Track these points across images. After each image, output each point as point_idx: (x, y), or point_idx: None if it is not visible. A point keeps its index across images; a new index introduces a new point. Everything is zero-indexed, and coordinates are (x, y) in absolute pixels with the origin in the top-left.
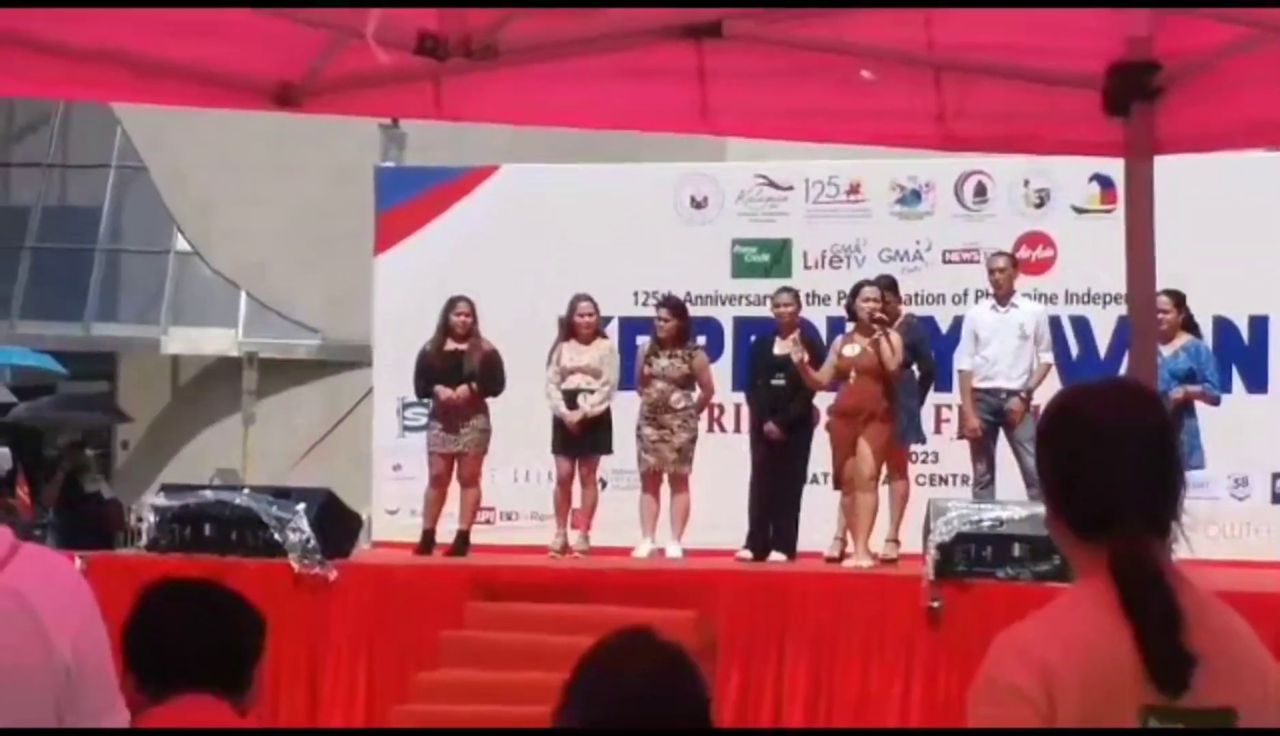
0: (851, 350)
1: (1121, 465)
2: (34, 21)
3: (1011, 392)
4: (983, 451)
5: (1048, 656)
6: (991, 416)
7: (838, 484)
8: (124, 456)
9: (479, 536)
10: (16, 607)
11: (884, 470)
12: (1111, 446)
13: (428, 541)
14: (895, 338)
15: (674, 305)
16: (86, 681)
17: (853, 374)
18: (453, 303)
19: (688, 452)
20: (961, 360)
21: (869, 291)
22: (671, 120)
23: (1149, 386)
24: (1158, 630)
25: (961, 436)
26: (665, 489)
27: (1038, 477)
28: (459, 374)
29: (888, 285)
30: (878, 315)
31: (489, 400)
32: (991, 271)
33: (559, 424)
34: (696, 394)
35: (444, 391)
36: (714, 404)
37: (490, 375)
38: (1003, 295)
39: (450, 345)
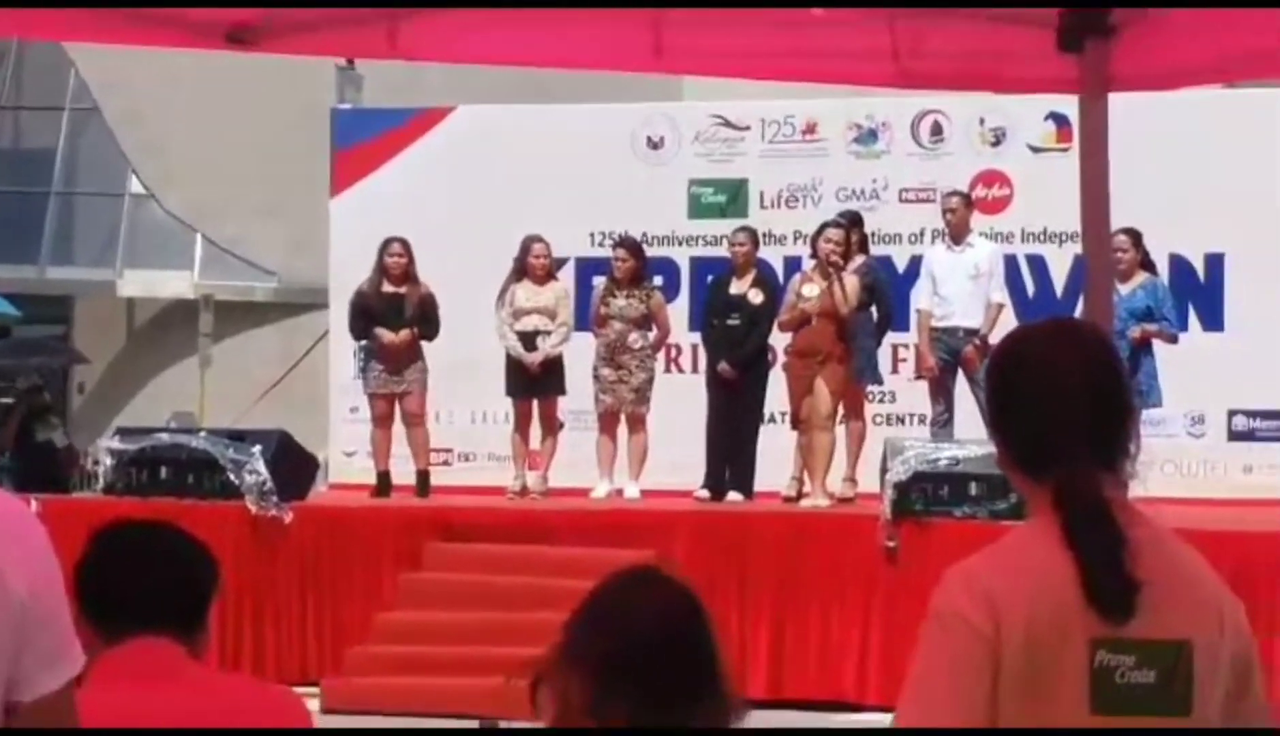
0: (810, 290)
1: (1061, 401)
2: None
3: (970, 332)
4: (941, 390)
5: (993, 586)
6: (949, 356)
7: (795, 424)
8: (80, 400)
9: (436, 478)
10: None
11: (840, 410)
12: (1050, 383)
13: (384, 483)
14: (851, 281)
15: (631, 245)
16: (42, 622)
17: (814, 317)
18: (387, 244)
19: (645, 393)
20: (919, 299)
21: (831, 233)
22: (626, 59)
23: (1093, 324)
24: (1097, 556)
25: (919, 376)
26: (623, 429)
27: (987, 417)
28: (399, 317)
29: (853, 220)
30: (833, 258)
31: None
32: (945, 211)
33: (513, 365)
34: (653, 334)
35: (386, 335)
36: (671, 344)
37: (428, 319)
38: (957, 234)
39: (388, 287)
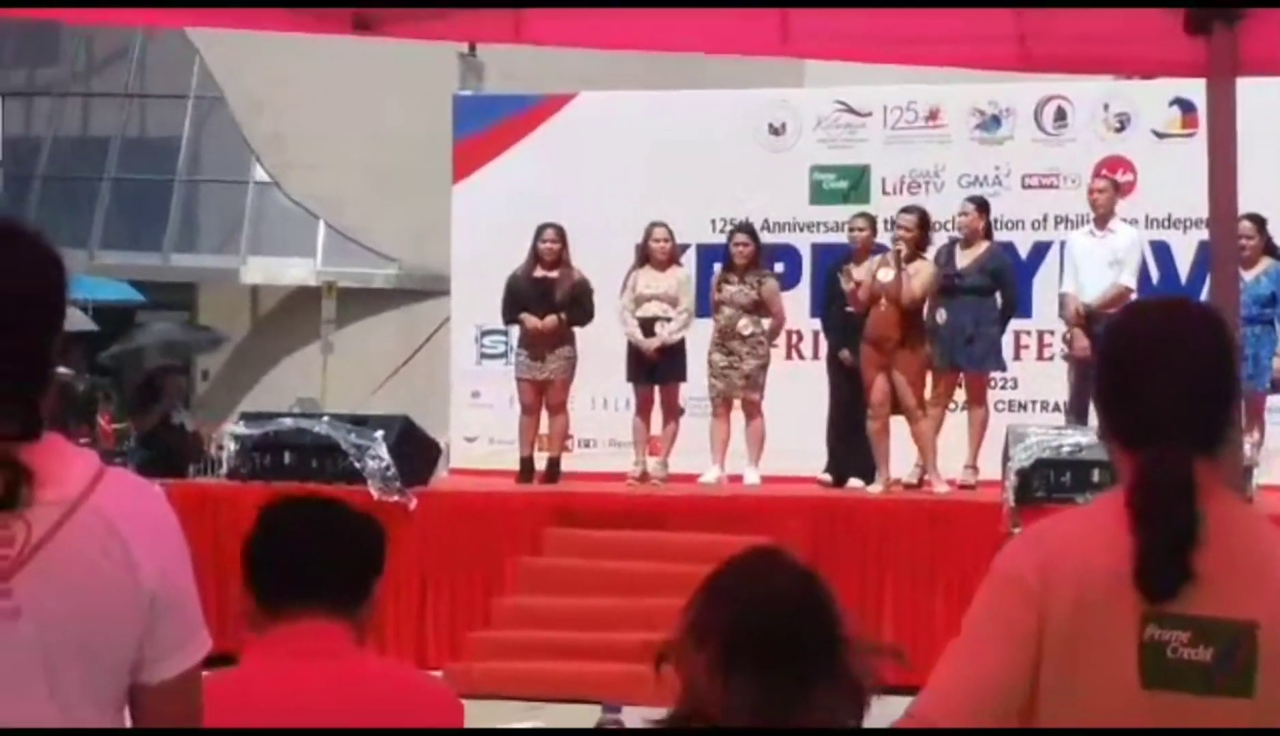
0: (886, 275)
1: (1162, 378)
2: None
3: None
4: (1085, 375)
5: (1051, 549)
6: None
7: (866, 409)
8: (204, 385)
9: None
10: (103, 531)
11: (939, 395)
12: (1155, 359)
13: (527, 469)
14: (924, 271)
15: (751, 230)
16: (171, 609)
17: (883, 301)
18: (541, 230)
19: (757, 378)
20: (1064, 283)
21: (903, 218)
22: (752, 43)
23: (1207, 306)
24: (1159, 540)
25: (1067, 357)
26: (739, 416)
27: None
28: (547, 302)
29: (980, 205)
30: (897, 245)
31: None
32: (1091, 191)
33: (634, 351)
34: (767, 322)
35: (530, 320)
36: (791, 331)
37: (578, 304)
38: (1100, 217)
39: (539, 272)
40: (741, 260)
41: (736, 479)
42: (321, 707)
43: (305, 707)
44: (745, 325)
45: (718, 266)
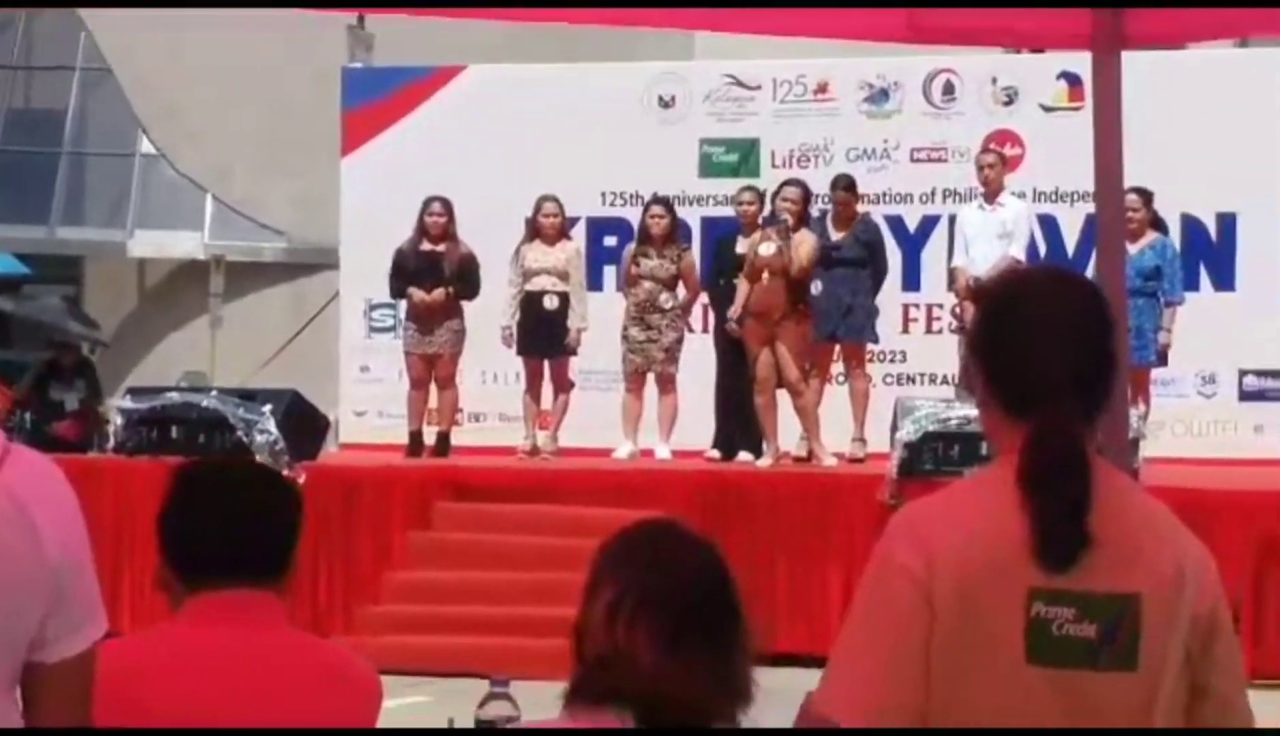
0: (767, 248)
1: (1050, 343)
2: None
3: None
4: None
5: (931, 532)
6: None
7: (751, 383)
8: (91, 359)
9: None
10: (12, 508)
11: (810, 367)
12: (1042, 324)
13: (416, 443)
14: (807, 241)
15: (666, 202)
16: (74, 589)
17: (765, 274)
18: (427, 203)
19: (675, 352)
20: (954, 257)
21: (788, 191)
22: (635, 14)
23: (1086, 277)
24: (1058, 505)
25: (958, 330)
26: (651, 390)
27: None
28: (435, 275)
29: (846, 185)
30: (783, 216)
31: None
32: (980, 168)
33: (524, 324)
34: (683, 294)
35: (418, 293)
36: None
37: (465, 278)
38: (990, 193)
39: (426, 245)
40: (659, 232)
41: (647, 453)
42: (249, 675)
43: (232, 673)
44: (665, 299)
45: (611, 239)
